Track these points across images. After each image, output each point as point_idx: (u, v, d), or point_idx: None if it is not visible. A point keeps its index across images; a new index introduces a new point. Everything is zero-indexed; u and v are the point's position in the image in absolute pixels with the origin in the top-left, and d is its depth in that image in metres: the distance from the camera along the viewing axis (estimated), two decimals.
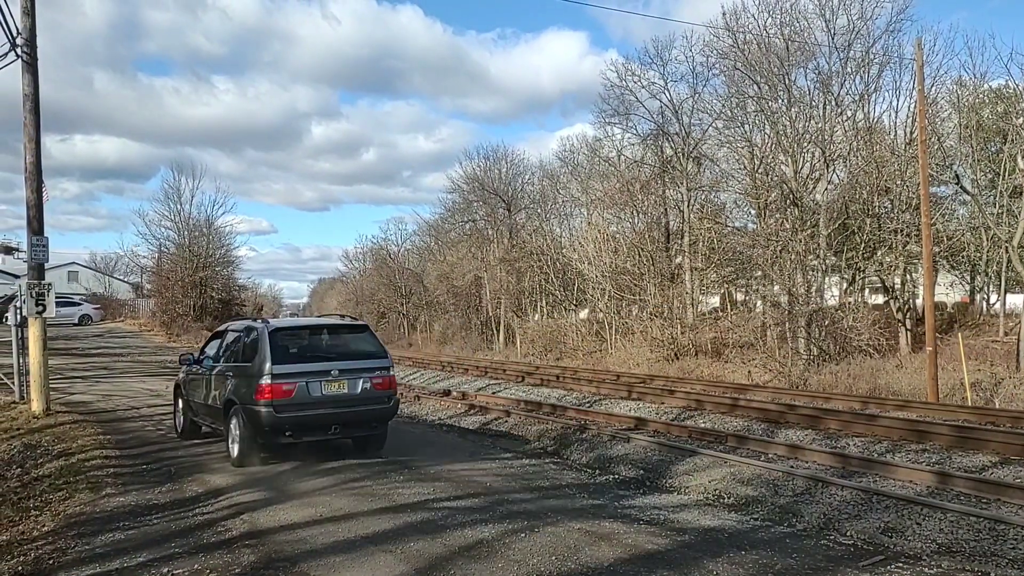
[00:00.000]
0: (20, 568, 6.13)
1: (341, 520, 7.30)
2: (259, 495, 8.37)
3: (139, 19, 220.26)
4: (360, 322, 12.76)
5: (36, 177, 14.13)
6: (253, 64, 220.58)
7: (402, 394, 20.94)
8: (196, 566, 5.98)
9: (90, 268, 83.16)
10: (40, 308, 14.24)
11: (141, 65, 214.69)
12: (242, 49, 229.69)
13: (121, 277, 78.46)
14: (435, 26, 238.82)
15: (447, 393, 20.96)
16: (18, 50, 13.81)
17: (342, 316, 12.97)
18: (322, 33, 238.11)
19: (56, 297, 15.10)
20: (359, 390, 10.65)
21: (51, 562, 6.24)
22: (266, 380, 9.96)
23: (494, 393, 21.05)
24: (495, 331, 50.18)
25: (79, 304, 53.29)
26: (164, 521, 7.43)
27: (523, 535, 6.84)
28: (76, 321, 49.86)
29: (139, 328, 51.18)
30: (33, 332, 14.28)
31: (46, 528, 7.32)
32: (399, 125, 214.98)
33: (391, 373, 11.17)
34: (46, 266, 14.82)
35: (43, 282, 14.42)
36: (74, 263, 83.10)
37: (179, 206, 55.18)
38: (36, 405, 14.19)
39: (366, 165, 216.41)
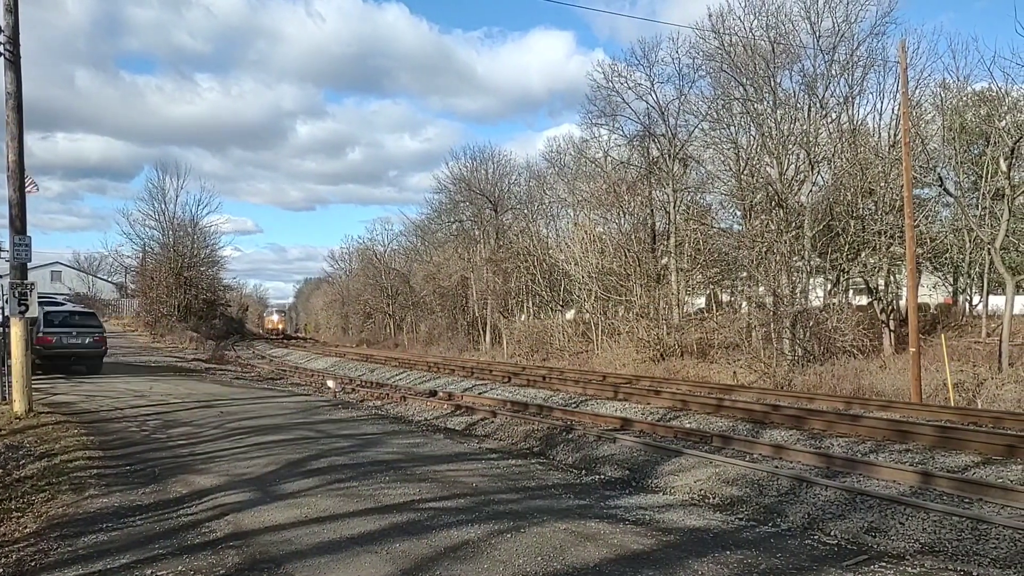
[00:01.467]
0: (2, 570, 6.08)
1: (327, 521, 7.28)
2: (244, 496, 8.33)
3: (122, 16, 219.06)
4: (91, 310, 28.67)
5: (19, 176, 14.02)
6: (238, 62, 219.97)
7: (388, 395, 20.97)
8: (180, 567, 5.95)
9: (73, 268, 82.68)
10: (23, 308, 14.12)
11: (124, 63, 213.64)
12: (226, 47, 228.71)
13: (105, 277, 78.04)
14: (421, 24, 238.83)
15: (433, 394, 20.94)
16: (1, 48, 13.71)
17: (85, 306, 29.53)
18: (307, 31, 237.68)
19: (39, 297, 14.98)
20: (86, 342, 22.92)
21: (33, 564, 6.19)
22: (40, 335, 21.24)
23: (480, 394, 21.04)
24: (481, 332, 50.20)
25: (62, 304, 52.80)
26: (148, 522, 7.38)
27: (509, 535, 6.85)
28: None
29: (123, 328, 50.86)
30: (15, 332, 14.16)
31: (28, 529, 7.26)
32: (385, 124, 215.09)
33: (103, 335, 24.13)
34: (29, 266, 14.69)
35: (26, 282, 14.30)
36: (57, 263, 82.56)
37: (163, 205, 55.08)
38: (18, 406, 14.07)
39: (352, 164, 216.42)
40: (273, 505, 7.92)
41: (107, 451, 11.25)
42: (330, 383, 24.34)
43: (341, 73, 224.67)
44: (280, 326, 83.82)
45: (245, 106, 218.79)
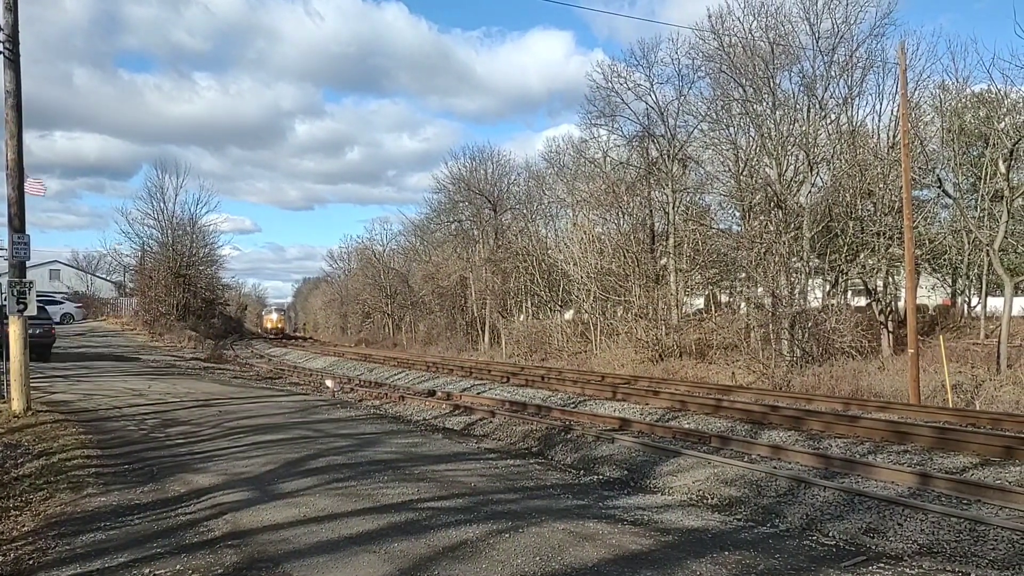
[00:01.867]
0: (0, 568, 6.08)
1: (325, 520, 7.28)
2: (242, 495, 8.33)
3: (121, 14, 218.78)
4: (39, 303, 28.78)
5: (18, 174, 14.00)
6: (236, 61, 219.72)
7: (386, 395, 20.97)
8: (178, 566, 5.94)
9: (72, 266, 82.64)
10: (21, 306, 14.11)
11: (122, 61, 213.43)
12: (225, 46, 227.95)
13: (104, 276, 77.94)
14: (420, 24, 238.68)
15: (432, 394, 20.94)
16: (1, 46, 13.69)
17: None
18: (306, 30, 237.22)
19: (38, 295, 14.94)
20: (36, 332, 23.23)
21: (31, 562, 6.18)
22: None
23: (479, 394, 21.04)
24: (480, 332, 50.20)
25: (61, 303, 52.77)
26: (146, 521, 7.38)
27: (507, 535, 6.85)
28: (58, 320, 49.34)
29: (121, 327, 50.78)
30: (14, 330, 14.14)
31: (26, 528, 7.26)
32: (384, 124, 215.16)
33: (52, 327, 27.47)
34: (28, 264, 14.68)
35: (24, 280, 14.29)
36: (56, 261, 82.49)
37: (163, 204, 54.99)
38: (16, 404, 14.05)
39: (351, 164, 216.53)
40: (271, 504, 7.92)
41: (105, 450, 11.24)
42: (328, 382, 24.35)
43: (340, 72, 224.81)
44: (280, 325, 78.33)
45: (243, 105, 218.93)
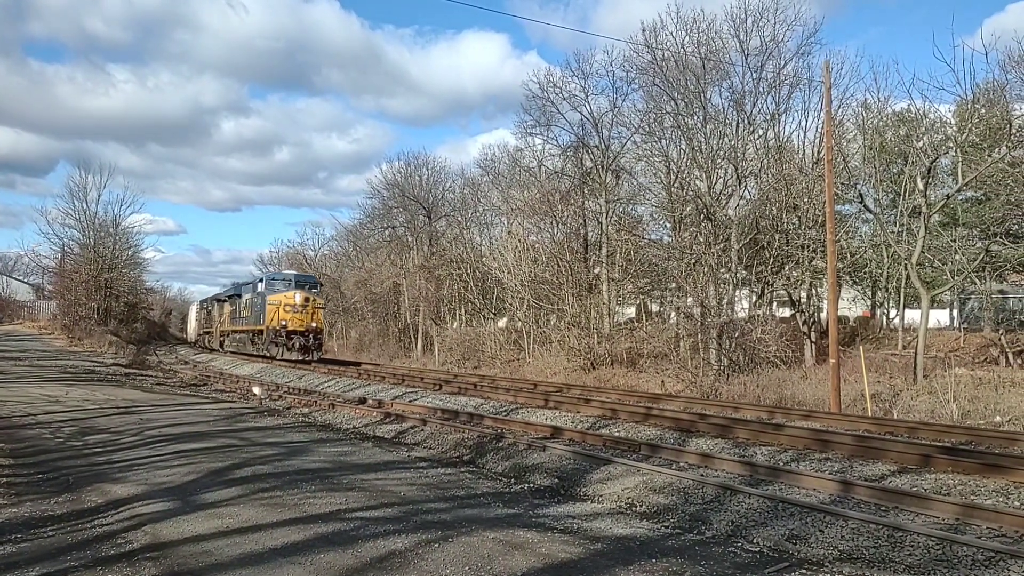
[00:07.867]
0: None
1: (249, 531, 7.10)
2: (163, 506, 8.08)
3: None
4: None
5: None
6: (156, 54, 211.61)
7: (315, 402, 20.64)
8: None
9: None
10: None
11: (31, 50, 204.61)
12: (144, 37, 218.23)
13: (20, 277, 75.00)
14: (351, 19, 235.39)
15: (363, 401, 20.67)
16: None
17: None
18: (230, 23, 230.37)
19: None
20: None
21: None
22: None
23: (411, 401, 20.85)
24: (413, 339, 49.89)
25: None
26: (60, 533, 7.09)
27: (437, 545, 6.79)
28: None
29: (39, 331, 48.98)
30: None
31: None
32: (314, 123, 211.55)
33: None
34: None
35: None
36: None
37: (84, 205, 53.23)
38: None
39: (279, 165, 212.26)
40: (193, 515, 7.70)
41: (18, 459, 10.79)
42: (256, 389, 23.82)
43: (266, 68, 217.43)
44: (315, 324, 37.58)
45: (164, 100, 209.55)
